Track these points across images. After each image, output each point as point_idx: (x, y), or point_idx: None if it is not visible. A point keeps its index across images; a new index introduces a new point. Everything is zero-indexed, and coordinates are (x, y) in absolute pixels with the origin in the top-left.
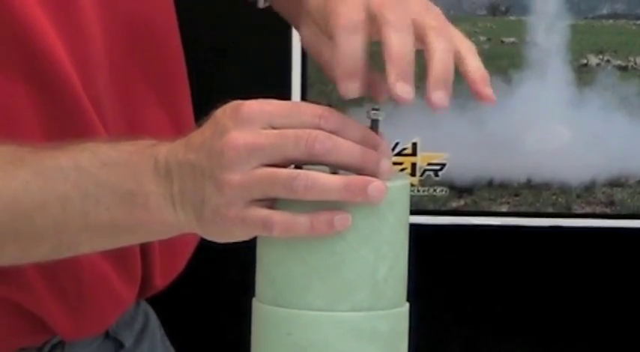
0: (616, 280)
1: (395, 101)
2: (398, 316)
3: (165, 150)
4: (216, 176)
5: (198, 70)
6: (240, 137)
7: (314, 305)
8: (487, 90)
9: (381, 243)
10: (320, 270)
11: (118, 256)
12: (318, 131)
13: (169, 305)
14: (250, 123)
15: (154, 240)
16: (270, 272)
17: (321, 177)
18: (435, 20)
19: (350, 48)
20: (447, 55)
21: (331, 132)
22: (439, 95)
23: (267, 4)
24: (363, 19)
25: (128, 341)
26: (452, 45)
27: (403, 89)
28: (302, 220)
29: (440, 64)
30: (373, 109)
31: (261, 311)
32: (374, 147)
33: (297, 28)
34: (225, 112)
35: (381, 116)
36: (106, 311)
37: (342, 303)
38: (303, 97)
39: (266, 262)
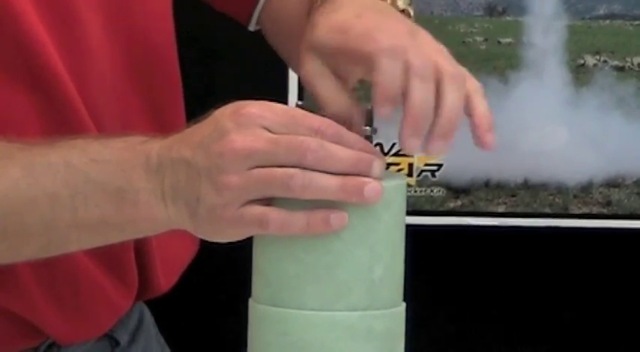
0: (613, 280)
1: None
2: (394, 316)
3: (158, 146)
4: (214, 177)
5: (195, 71)
6: (239, 140)
7: (310, 305)
8: (489, 136)
9: (377, 243)
10: (316, 270)
11: (113, 265)
12: (311, 139)
13: (166, 305)
14: (249, 127)
15: (153, 250)
16: (266, 272)
17: (318, 176)
18: (449, 64)
19: (391, 72)
20: (457, 105)
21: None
22: (439, 145)
23: (257, 28)
24: (404, 47)
25: (123, 339)
26: (463, 92)
27: (413, 145)
28: (298, 218)
29: (448, 114)
30: (366, 125)
31: (258, 310)
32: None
33: (294, 64)
34: (225, 113)
35: (373, 132)
36: (103, 318)
37: (338, 303)
38: (300, 98)
39: (262, 262)
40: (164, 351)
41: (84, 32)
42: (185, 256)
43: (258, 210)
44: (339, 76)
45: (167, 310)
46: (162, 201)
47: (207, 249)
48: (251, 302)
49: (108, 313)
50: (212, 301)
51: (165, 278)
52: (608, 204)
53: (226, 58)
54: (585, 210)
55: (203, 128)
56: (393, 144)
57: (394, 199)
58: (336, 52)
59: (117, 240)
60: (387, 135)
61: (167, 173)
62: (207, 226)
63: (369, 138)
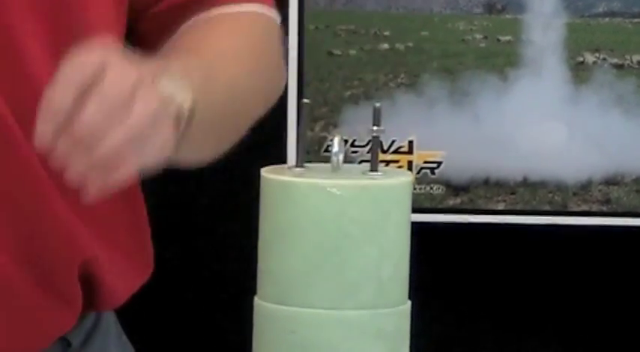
0: (612, 278)
1: None
2: (401, 314)
3: None
4: None
5: None
6: None
7: (318, 304)
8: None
9: (386, 241)
10: (324, 268)
11: (54, 288)
12: None
13: (166, 305)
14: None
15: (102, 274)
16: (273, 270)
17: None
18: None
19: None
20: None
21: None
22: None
23: None
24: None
25: (76, 340)
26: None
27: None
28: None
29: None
30: (374, 126)
31: (264, 309)
32: None
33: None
34: None
35: (381, 132)
36: (40, 337)
37: (347, 302)
38: (300, 96)
39: (269, 260)
40: (125, 351)
41: (28, 67)
42: (137, 279)
43: None
44: None
45: (165, 310)
46: None
47: (208, 250)
48: (257, 300)
49: (45, 332)
50: (212, 301)
51: (117, 296)
52: (608, 201)
53: None
54: (584, 207)
55: None
56: (393, 142)
57: (402, 197)
58: None
59: None
60: (385, 133)
61: None
62: None
63: (376, 139)
